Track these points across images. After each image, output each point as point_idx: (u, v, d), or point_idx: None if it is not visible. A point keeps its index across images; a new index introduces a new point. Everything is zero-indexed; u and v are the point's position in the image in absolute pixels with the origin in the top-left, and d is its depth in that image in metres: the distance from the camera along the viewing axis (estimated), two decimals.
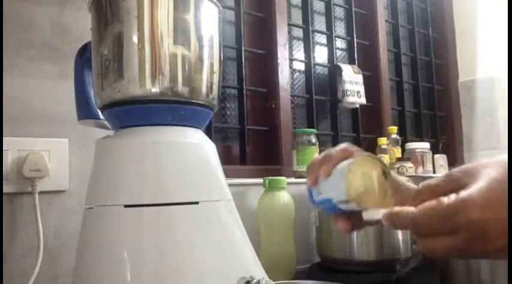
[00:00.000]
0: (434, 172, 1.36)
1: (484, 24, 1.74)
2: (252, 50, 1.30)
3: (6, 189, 0.78)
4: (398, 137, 1.37)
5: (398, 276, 0.91)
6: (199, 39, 0.64)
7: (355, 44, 1.54)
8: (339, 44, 1.56)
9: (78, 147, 0.86)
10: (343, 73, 1.41)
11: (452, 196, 0.36)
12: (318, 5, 1.52)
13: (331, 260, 0.99)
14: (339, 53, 1.55)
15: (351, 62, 1.53)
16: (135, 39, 0.60)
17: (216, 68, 0.67)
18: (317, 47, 1.49)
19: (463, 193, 0.36)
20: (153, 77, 0.60)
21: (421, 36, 1.83)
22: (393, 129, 1.38)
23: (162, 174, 0.60)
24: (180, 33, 0.62)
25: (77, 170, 0.85)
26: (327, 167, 0.48)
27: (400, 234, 0.95)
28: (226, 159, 1.21)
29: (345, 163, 0.46)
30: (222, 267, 0.59)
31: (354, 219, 0.47)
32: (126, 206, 0.58)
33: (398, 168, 1.24)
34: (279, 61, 1.28)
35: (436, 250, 0.38)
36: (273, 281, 0.56)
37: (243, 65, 1.26)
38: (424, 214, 0.37)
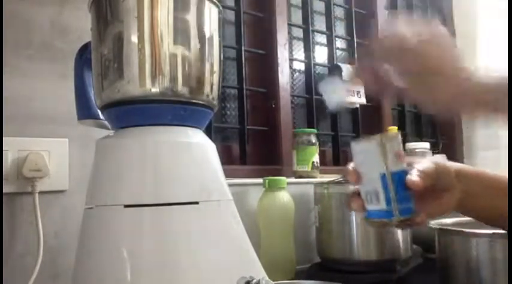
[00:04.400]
0: None
1: (484, 24, 1.73)
2: (252, 50, 1.30)
3: (6, 189, 0.78)
4: None
5: (398, 276, 0.91)
6: (199, 39, 0.64)
7: (355, 44, 1.54)
8: (339, 44, 1.56)
9: (78, 147, 0.86)
10: (343, 74, 1.40)
11: None
12: (318, 5, 1.52)
13: (331, 260, 0.99)
14: (339, 53, 1.55)
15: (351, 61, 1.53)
16: (135, 39, 0.60)
17: (216, 67, 0.67)
18: (317, 47, 1.49)
19: None
20: (153, 77, 0.60)
21: None
22: (393, 129, 1.38)
23: (162, 174, 0.60)
24: (180, 33, 0.62)
25: (77, 170, 0.85)
26: (352, 176, 0.49)
27: (400, 234, 0.95)
28: (226, 159, 1.21)
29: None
30: (222, 267, 0.59)
31: None
32: (126, 206, 0.58)
33: None
34: (279, 61, 1.28)
35: None
36: (273, 281, 0.56)
37: (243, 65, 1.26)
38: None
